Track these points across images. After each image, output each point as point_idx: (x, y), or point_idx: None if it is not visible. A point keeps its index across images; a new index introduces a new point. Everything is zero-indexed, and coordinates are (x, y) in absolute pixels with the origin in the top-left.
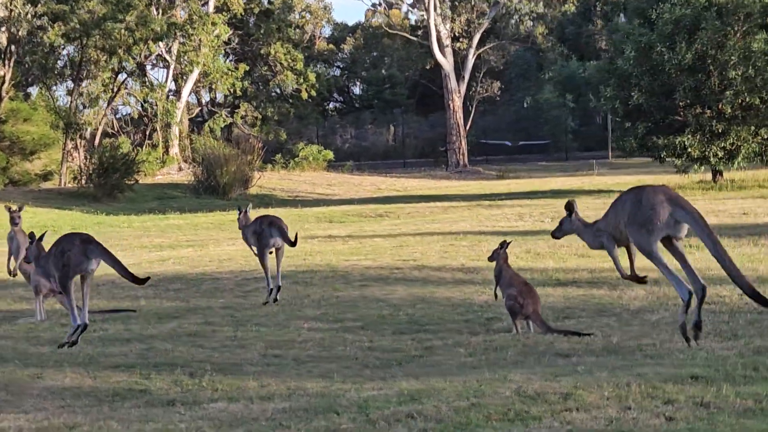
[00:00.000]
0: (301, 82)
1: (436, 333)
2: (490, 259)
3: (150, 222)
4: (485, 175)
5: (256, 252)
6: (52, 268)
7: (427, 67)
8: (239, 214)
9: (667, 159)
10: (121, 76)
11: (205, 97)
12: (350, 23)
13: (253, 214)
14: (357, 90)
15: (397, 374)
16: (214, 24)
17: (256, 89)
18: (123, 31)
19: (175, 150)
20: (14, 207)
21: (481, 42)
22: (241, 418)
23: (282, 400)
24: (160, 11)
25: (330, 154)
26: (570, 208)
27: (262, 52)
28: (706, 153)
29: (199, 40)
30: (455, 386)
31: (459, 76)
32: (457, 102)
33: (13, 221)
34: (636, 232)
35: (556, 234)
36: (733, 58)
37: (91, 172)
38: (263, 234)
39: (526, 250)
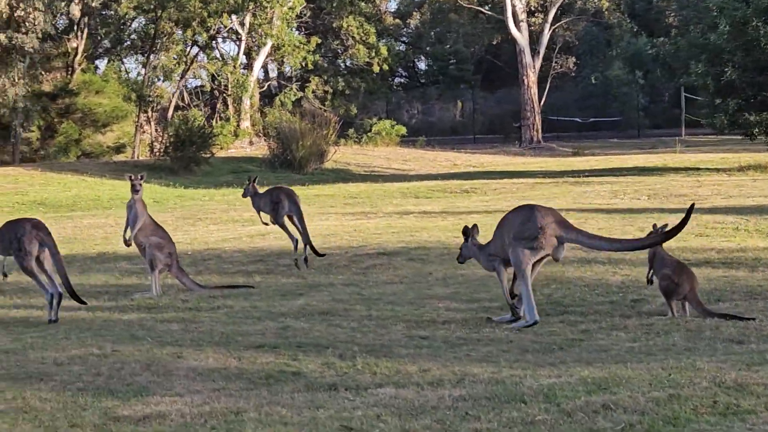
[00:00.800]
0: (372, 55)
1: (585, 315)
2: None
3: (231, 195)
4: (560, 151)
5: (270, 220)
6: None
7: (494, 43)
8: (247, 184)
9: (759, 136)
10: (194, 50)
11: (272, 72)
12: None
13: (326, 188)
14: (422, 65)
15: (565, 359)
16: None
17: (326, 63)
18: (197, 3)
19: (246, 124)
20: (135, 175)
21: (557, 17)
22: (420, 406)
23: (453, 386)
24: None
25: (403, 129)
26: (465, 233)
27: (334, 25)
28: None
29: (273, 12)
30: (641, 374)
31: (534, 52)
32: (531, 77)
33: (134, 189)
34: (518, 248)
35: (459, 260)
36: None
37: (167, 144)
38: (281, 204)
39: (639, 228)
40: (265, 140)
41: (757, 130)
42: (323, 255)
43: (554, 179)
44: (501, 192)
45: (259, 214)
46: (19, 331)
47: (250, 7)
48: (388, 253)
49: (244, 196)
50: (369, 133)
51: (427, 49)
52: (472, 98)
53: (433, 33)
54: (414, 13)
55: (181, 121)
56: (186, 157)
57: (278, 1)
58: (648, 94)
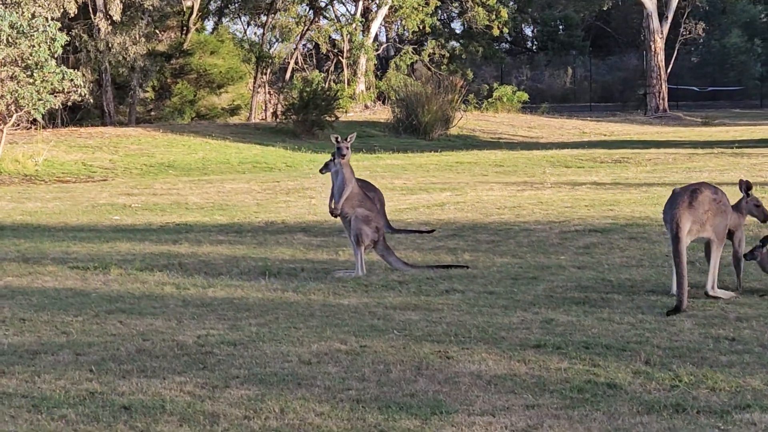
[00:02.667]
0: (492, 18)
1: None
2: None
3: (367, 161)
4: (687, 121)
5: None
6: None
7: (604, 8)
8: (332, 159)
9: None
10: (311, 12)
11: (381, 35)
12: None
13: (462, 155)
14: (527, 31)
15: None
16: None
17: (443, 26)
18: None
19: (361, 87)
20: (342, 137)
21: None
22: None
23: None
24: None
25: (525, 96)
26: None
27: None
28: None
29: None
30: None
31: (662, 17)
32: (659, 43)
33: (340, 152)
34: None
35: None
36: None
37: (288, 107)
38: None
39: None
40: (381, 105)
41: None
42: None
43: (706, 150)
44: (658, 163)
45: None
46: (231, 317)
47: None
48: (600, 229)
49: (324, 172)
50: (490, 99)
51: (535, 14)
52: (583, 65)
53: None
54: None
55: (305, 83)
56: (309, 120)
57: None
58: (765, 63)
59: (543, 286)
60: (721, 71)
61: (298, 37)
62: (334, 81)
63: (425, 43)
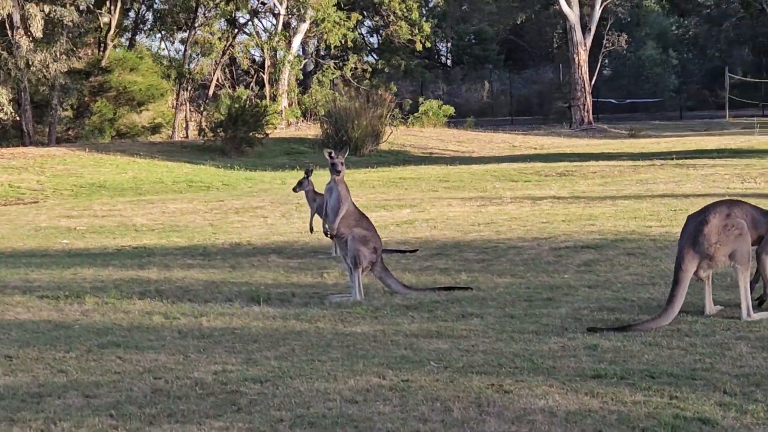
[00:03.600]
0: (415, 32)
1: None
2: None
3: (297, 179)
4: (613, 133)
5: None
6: None
7: (518, 22)
8: (304, 177)
9: None
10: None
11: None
12: None
13: (401, 171)
14: (442, 46)
15: None
16: None
17: (365, 40)
18: None
19: (284, 103)
20: (336, 152)
21: None
22: None
23: None
24: None
25: (450, 110)
26: None
27: (376, 1)
28: None
29: None
30: None
31: (585, 29)
32: (582, 56)
33: (335, 169)
34: None
35: None
36: None
37: (216, 124)
38: None
39: None
40: (304, 121)
41: None
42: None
43: (646, 162)
44: (605, 175)
45: (312, 217)
46: (241, 349)
47: None
48: (592, 245)
49: (297, 190)
50: (415, 114)
51: (450, 29)
52: (499, 79)
53: (457, 12)
54: None
55: (233, 99)
56: (238, 137)
57: None
58: (680, 75)
59: (564, 308)
60: (637, 83)
61: (220, 53)
62: (256, 98)
63: (347, 58)
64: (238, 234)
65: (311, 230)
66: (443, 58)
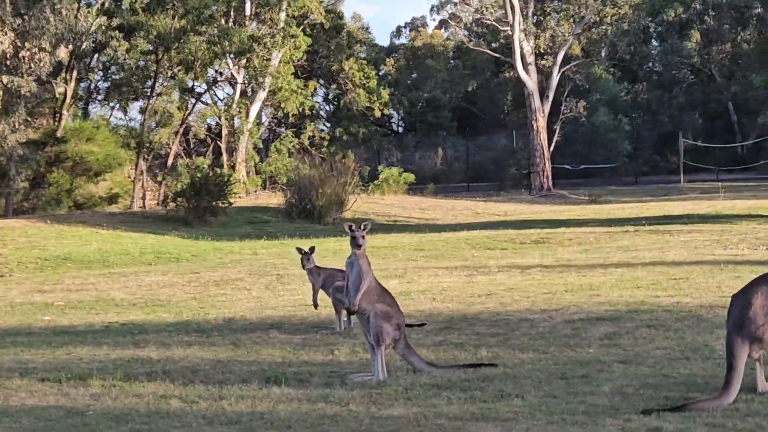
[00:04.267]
0: (373, 100)
1: None
2: None
3: (274, 248)
4: (573, 199)
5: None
6: None
7: (469, 89)
8: (306, 254)
9: None
10: (197, 93)
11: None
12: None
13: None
14: (394, 113)
15: None
16: (293, 36)
17: (323, 108)
18: (203, 44)
19: (243, 172)
20: (356, 225)
21: (566, 60)
22: None
23: None
24: (235, 23)
25: (411, 177)
26: None
27: (333, 68)
28: None
29: (279, 54)
30: None
31: (543, 95)
32: (541, 122)
33: (356, 242)
34: None
35: None
36: None
37: (178, 193)
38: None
39: None
40: (265, 189)
41: None
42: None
43: (618, 228)
44: (582, 243)
45: (314, 293)
46: None
47: (256, 49)
48: (606, 318)
49: (306, 267)
50: (376, 181)
51: (403, 96)
52: (453, 145)
53: (409, 80)
54: (387, 60)
55: (195, 168)
56: (202, 207)
57: (284, 42)
58: (632, 141)
59: (606, 386)
60: (591, 149)
61: (180, 123)
62: (214, 167)
63: (304, 126)
64: (227, 308)
65: (315, 306)
66: (395, 126)
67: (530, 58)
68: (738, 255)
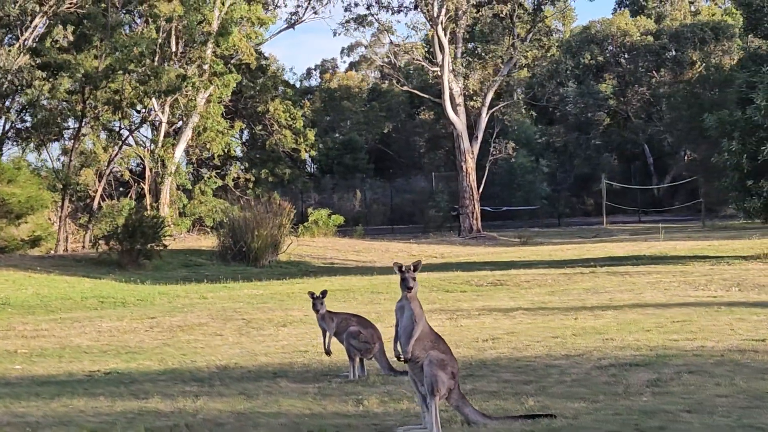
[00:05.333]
0: (300, 141)
1: None
2: None
3: (222, 292)
4: (504, 241)
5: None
6: None
7: (385, 131)
8: (318, 298)
9: None
10: (123, 134)
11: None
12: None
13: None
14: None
15: None
16: (222, 74)
17: (248, 149)
18: (133, 83)
19: (165, 212)
20: (405, 266)
21: (493, 102)
22: None
23: None
24: (163, 61)
25: (341, 219)
26: None
27: (259, 109)
28: None
29: (205, 93)
30: None
31: (472, 136)
32: (470, 163)
33: (406, 284)
34: None
35: None
36: None
37: (111, 236)
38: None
39: None
40: (191, 232)
41: None
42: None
43: (570, 270)
44: (542, 284)
45: (325, 338)
46: None
47: (185, 88)
48: (639, 363)
49: (319, 312)
50: (305, 223)
51: (320, 138)
52: (371, 187)
53: (324, 122)
54: (305, 102)
55: (130, 210)
56: (135, 250)
57: (211, 81)
58: (551, 183)
59: None
60: (509, 191)
61: (106, 164)
62: (138, 209)
63: (230, 167)
64: (212, 356)
65: (328, 353)
66: (309, 168)
67: (459, 99)
68: (717, 296)
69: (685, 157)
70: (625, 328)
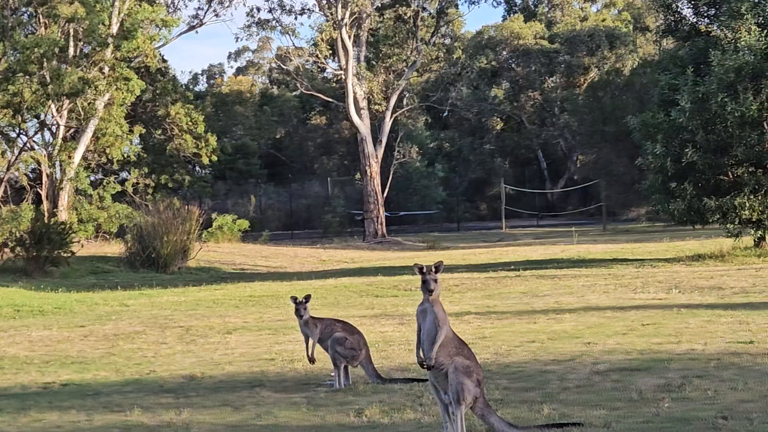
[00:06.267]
0: (201, 146)
1: None
2: None
3: (141, 299)
4: (410, 246)
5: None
6: None
7: (277, 137)
8: (301, 303)
9: (718, 224)
10: (22, 138)
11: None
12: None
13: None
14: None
15: None
16: (127, 79)
17: (148, 154)
18: (35, 86)
19: (63, 217)
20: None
21: (398, 104)
22: None
23: None
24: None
25: (246, 224)
26: None
27: (159, 113)
28: (764, 216)
29: (105, 97)
30: None
31: (376, 140)
32: (374, 168)
33: (427, 287)
34: None
35: None
36: None
37: (16, 243)
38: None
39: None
40: (94, 239)
41: (718, 216)
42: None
43: (497, 273)
44: (473, 288)
45: (308, 345)
46: None
47: (88, 91)
48: (637, 368)
49: (303, 318)
50: (210, 229)
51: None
52: (266, 192)
53: (216, 126)
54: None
55: (34, 216)
56: (42, 256)
57: (117, 84)
58: (446, 188)
59: None
60: (405, 196)
61: (5, 169)
62: (38, 215)
63: (129, 172)
64: (167, 365)
65: (312, 361)
66: (202, 173)
67: (363, 103)
68: (665, 299)
69: (577, 162)
70: (598, 332)
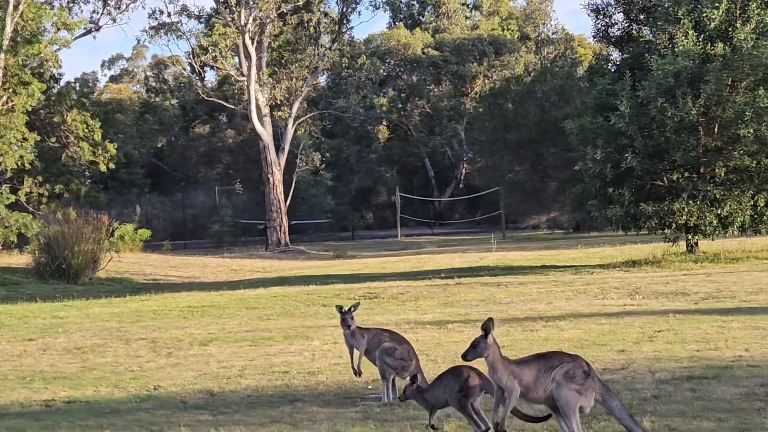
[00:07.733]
0: (98, 153)
1: None
2: None
3: (73, 311)
4: (314, 255)
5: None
6: None
7: (159, 145)
8: (348, 311)
9: (655, 229)
10: None
11: None
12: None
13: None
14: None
15: None
16: (27, 83)
17: (41, 162)
18: None
19: None
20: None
21: (300, 112)
22: None
23: None
24: None
25: (148, 233)
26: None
27: (55, 120)
28: (701, 221)
29: (10, 102)
30: None
31: (278, 148)
32: (277, 176)
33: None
34: None
35: None
36: (747, 113)
37: None
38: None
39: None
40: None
41: (655, 222)
42: None
43: (434, 281)
44: (422, 297)
45: (353, 357)
46: None
47: None
48: (699, 376)
49: (350, 328)
50: (111, 238)
51: None
52: (150, 202)
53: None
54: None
55: None
56: None
57: (14, 91)
58: (335, 197)
59: None
60: (294, 204)
61: None
62: None
63: (22, 181)
64: (167, 380)
65: (358, 373)
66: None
67: (265, 110)
68: (638, 305)
69: (463, 170)
70: (614, 339)
